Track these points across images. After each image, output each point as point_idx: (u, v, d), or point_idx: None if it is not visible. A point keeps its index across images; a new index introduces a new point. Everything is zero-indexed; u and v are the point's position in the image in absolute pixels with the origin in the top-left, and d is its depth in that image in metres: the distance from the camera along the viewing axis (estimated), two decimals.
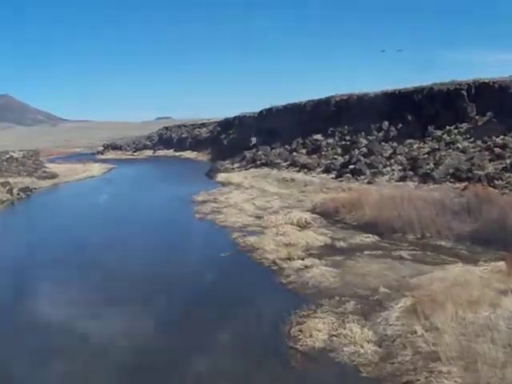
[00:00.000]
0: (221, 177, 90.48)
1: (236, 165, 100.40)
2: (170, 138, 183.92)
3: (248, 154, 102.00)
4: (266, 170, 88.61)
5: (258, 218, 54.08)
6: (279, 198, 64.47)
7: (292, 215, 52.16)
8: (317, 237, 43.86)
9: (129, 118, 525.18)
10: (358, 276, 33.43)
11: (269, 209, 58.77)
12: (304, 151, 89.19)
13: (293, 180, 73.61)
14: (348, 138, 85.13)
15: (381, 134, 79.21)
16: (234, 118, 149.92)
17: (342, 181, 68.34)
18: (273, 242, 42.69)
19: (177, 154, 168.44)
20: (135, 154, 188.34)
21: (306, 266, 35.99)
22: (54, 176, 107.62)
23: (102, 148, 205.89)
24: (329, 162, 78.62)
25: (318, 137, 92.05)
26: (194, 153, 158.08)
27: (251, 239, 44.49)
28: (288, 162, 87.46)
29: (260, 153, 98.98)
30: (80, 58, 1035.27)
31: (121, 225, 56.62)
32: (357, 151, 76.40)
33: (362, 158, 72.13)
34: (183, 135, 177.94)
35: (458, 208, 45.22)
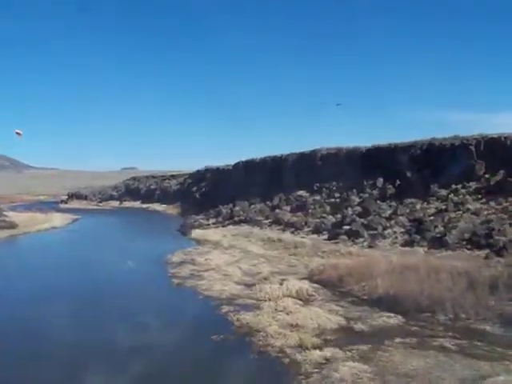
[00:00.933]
0: (196, 234, 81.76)
1: (211, 220, 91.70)
2: (138, 189, 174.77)
3: (224, 210, 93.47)
4: (245, 227, 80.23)
5: (248, 286, 45.47)
6: (267, 262, 55.99)
7: (289, 284, 43.60)
8: (327, 315, 35.30)
9: (94, 167, 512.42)
10: (402, 378, 24.90)
11: (258, 274, 50.22)
12: (288, 208, 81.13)
13: (280, 240, 65.33)
14: (337, 195, 77.67)
15: (375, 192, 71.87)
16: (206, 170, 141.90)
17: (337, 243, 60.27)
18: (275, 322, 33.99)
19: (144, 206, 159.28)
20: (100, 204, 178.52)
21: (328, 360, 27.41)
22: (12, 226, 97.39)
23: (67, 197, 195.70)
24: (317, 220, 70.67)
25: (303, 193, 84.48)
26: (163, 205, 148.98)
27: (246, 317, 35.72)
28: (270, 220, 79.32)
29: (238, 208, 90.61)
30: (47, 105, 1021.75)
31: (77, 298, 45.55)
32: (350, 210, 68.61)
33: (357, 218, 64.29)
34: (152, 187, 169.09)
35: (491, 281, 37.37)
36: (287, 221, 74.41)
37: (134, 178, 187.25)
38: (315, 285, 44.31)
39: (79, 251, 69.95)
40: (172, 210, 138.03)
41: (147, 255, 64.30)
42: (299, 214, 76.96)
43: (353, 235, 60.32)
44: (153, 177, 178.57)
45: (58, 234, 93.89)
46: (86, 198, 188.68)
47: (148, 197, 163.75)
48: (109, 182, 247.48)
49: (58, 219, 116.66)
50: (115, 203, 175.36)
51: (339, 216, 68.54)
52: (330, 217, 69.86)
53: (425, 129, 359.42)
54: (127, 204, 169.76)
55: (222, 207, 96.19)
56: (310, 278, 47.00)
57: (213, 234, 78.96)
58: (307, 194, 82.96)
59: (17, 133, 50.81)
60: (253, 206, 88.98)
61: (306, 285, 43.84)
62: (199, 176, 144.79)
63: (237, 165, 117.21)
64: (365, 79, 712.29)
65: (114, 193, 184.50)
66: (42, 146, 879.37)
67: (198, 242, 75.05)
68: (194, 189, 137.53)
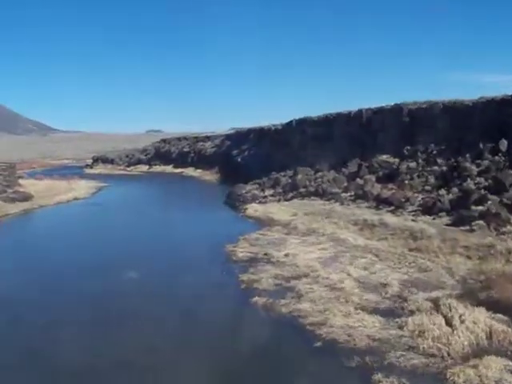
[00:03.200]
0: (253, 209, 63.09)
1: (268, 192, 72.63)
2: (169, 152, 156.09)
3: (283, 178, 74.14)
4: (319, 202, 61.42)
5: (387, 317, 27.11)
6: (381, 261, 37.34)
7: (464, 318, 24.97)
8: None
9: (119, 130, 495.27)
10: None
11: (383, 287, 31.69)
12: (372, 178, 61.60)
13: (383, 225, 46.04)
14: (440, 161, 57.68)
15: (499, 158, 51.82)
16: (249, 130, 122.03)
17: (472, 231, 40.92)
18: None
19: (177, 170, 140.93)
20: (128, 168, 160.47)
21: None
22: (26, 198, 79.67)
23: (92, 161, 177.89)
24: (423, 196, 51.39)
25: (389, 158, 64.64)
26: (199, 170, 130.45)
27: None
28: (351, 193, 60.24)
29: (300, 177, 71.38)
30: (72, 70, 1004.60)
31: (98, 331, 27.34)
32: (471, 182, 49.00)
33: (488, 195, 44.92)
34: (184, 149, 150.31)
35: None
36: (377, 195, 55.22)
37: (164, 141, 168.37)
38: (501, 316, 25.62)
39: (104, 238, 51.99)
40: (210, 175, 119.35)
41: (197, 244, 46.65)
42: (390, 185, 57.65)
43: (493, 219, 40.97)
44: (185, 138, 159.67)
45: (79, 208, 76.07)
46: (112, 161, 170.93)
47: (180, 160, 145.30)
48: (134, 144, 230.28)
49: (81, 188, 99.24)
50: (144, 167, 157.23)
51: (455, 190, 49.16)
52: (443, 191, 50.33)
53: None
54: (158, 168, 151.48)
55: (279, 175, 76.96)
56: (477, 298, 28.17)
57: (277, 210, 60.21)
58: (396, 160, 63.46)
59: None
60: (320, 174, 69.88)
61: (490, 319, 25.16)
62: (239, 137, 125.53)
63: (289, 124, 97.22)
64: None
65: (143, 156, 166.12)
66: (68, 109, 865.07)
67: (260, 221, 56.71)
68: (235, 152, 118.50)
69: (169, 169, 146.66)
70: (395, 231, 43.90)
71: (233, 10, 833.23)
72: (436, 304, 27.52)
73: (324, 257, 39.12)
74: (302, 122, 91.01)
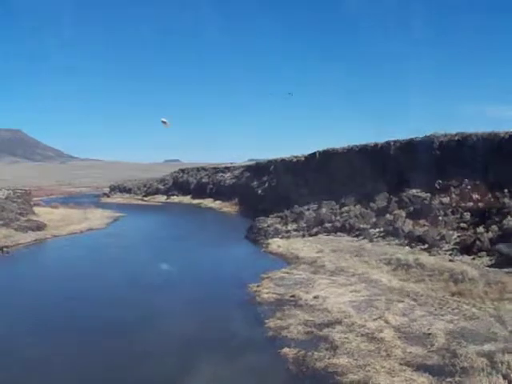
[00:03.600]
0: (276, 245, 59.72)
1: (291, 226, 69.44)
2: (187, 183, 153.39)
3: (307, 212, 71.08)
4: (346, 239, 58.13)
5: (438, 374, 23.80)
6: (420, 306, 33.76)
7: None
8: None
9: (137, 159, 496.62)
10: None
11: (428, 339, 28.31)
12: (402, 213, 58.04)
13: (420, 265, 42.46)
14: (476, 196, 54.32)
15: None
16: (270, 161, 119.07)
17: None
18: None
19: (195, 201, 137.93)
20: (145, 198, 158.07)
21: None
22: (40, 227, 77.32)
23: (109, 190, 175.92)
24: (459, 234, 48.00)
25: (419, 193, 61.31)
26: (217, 202, 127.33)
27: None
28: (380, 229, 56.75)
29: (325, 210, 68.15)
30: (92, 97, 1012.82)
31: None
32: (511, 219, 45.56)
33: None
34: (203, 180, 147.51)
35: None
36: (409, 232, 51.80)
37: (182, 170, 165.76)
38: None
39: (116, 275, 48.50)
40: (229, 207, 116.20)
41: (218, 283, 44.08)
42: (422, 221, 54.21)
43: None
44: (203, 169, 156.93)
45: (94, 239, 73.14)
46: (129, 191, 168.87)
47: (199, 191, 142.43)
48: (152, 174, 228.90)
49: (96, 217, 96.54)
50: (162, 198, 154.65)
51: (495, 228, 45.65)
52: (481, 229, 46.81)
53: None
54: (175, 199, 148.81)
55: (302, 209, 73.69)
56: None
57: (301, 246, 56.90)
58: (427, 195, 59.95)
59: (163, 122, 41.83)
60: (346, 209, 66.55)
61: None
62: (259, 168, 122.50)
63: (311, 156, 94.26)
64: None
65: (161, 186, 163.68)
66: (87, 137, 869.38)
67: (284, 258, 53.42)
68: (255, 183, 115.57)
69: (187, 199, 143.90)
70: (433, 272, 40.38)
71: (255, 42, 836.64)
72: (491, 361, 24.04)
73: (357, 300, 35.70)
74: (326, 154, 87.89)
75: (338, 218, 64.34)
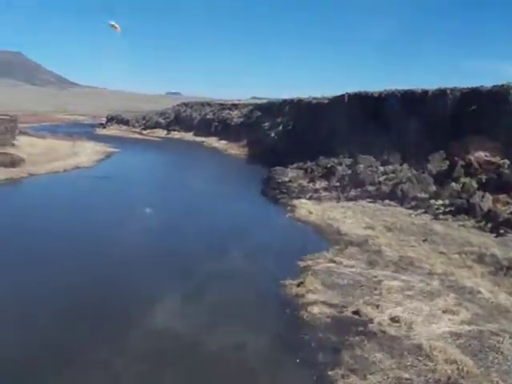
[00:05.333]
0: (306, 209, 45.77)
1: (320, 183, 55.12)
2: (190, 118, 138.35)
3: (340, 168, 56.61)
4: (401, 210, 44.34)
5: None
6: None
7: None
8: None
9: (137, 89, 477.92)
10: None
11: None
12: (473, 183, 43.86)
13: None
14: None
15: None
16: (285, 101, 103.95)
17: None
18: None
19: (198, 139, 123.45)
20: (144, 132, 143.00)
21: None
22: (15, 163, 62.97)
23: (105, 120, 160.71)
24: None
25: (488, 156, 47.09)
26: (222, 142, 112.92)
27: None
28: (444, 202, 42.71)
29: (363, 168, 53.91)
30: (94, 26, 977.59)
31: None
32: None
33: None
34: (207, 116, 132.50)
35: None
36: (489, 212, 37.83)
37: (185, 104, 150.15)
38: None
39: (96, 241, 34.30)
40: (236, 149, 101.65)
41: (237, 274, 28.88)
42: (503, 197, 40.17)
43: None
44: (208, 104, 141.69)
45: (78, 182, 59.04)
46: (127, 123, 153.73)
47: (202, 128, 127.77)
48: (153, 105, 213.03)
49: (86, 152, 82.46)
50: (162, 132, 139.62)
51: None
52: None
53: None
54: (176, 135, 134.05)
55: (332, 162, 59.43)
56: None
57: (340, 216, 42.95)
58: (504, 161, 45.71)
59: (112, 26, 36.73)
60: (391, 168, 52.35)
61: None
62: (271, 108, 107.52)
63: (338, 98, 79.03)
64: None
65: (161, 120, 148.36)
66: (89, 64, 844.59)
67: (321, 231, 39.66)
68: (266, 125, 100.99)
69: (189, 136, 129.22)
70: None
71: None
72: None
73: (462, 332, 22.03)
74: (358, 97, 72.88)
75: (383, 179, 50.11)
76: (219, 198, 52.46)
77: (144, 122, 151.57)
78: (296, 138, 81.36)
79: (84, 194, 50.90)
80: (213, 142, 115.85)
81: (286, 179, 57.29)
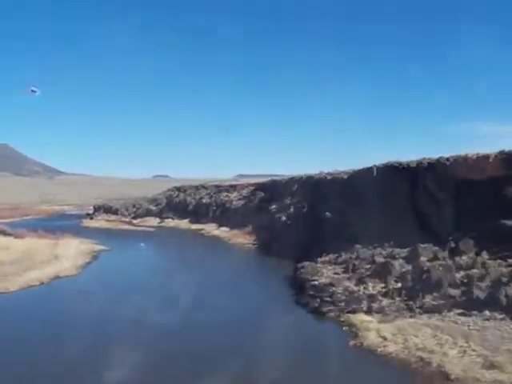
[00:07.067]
0: (375, 332, 31.98)
1: (373, 285, 41.35)
2: (184, 204, 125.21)
3: (397, 263, 42.94)
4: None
5: None
6: None
7: None
8: None
9: (124, 174, 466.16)
10: None
11: None
12: None
13: None
14: None
15: None
16: (292, 178, 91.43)
17: None
18: None
19: (194, 227, 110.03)
20: (135, 221, 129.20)
21: None
22: None
23: (93, 210, 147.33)
24: None
25: None
26: (223, 229, 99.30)
27: None
28: None
29: (428, 262, 40.42)
30: (81, 112, 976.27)
31: None
32: None
33: None
34: (203, 200, 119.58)
35: None
36: None
37: (177, 189, 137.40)
38: None
39: None
40: (241, 237, 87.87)
41: None
42: None
43: None
44: (203, 187, 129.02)
45: (55, 302, 44.86)
46: (116, 212, 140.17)
47: (198, 214, 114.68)
48: (141, 190, 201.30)
49: (69, 254, 68.98)
50: (154, 221, 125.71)
51: None
52: None
53: None
54: (170, 223, 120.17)
55: (383, 255, 46.03)
56: None
57: (435, 343, 29.05)
58: None
59: (32, 91, 36.42)
60: (466, 260, 38.88)
61: None
62: (276, 188, 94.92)
63: (364, 172, 65.98)
64: None
65: (152, 207, 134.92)
66: (75, 152, 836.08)
67: (413, 375, 25.65)
68: (274, 207, 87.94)
69: (184, 224, 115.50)
70: None
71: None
72: None
73: None
74: (393, 169, 59.99)
75: (462, 276, 36.51)
76: (243, 311, 38.70)
77: (134, 210, 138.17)
78: (313, 222, 68.35)
79: (60, 326, 36.59)
80: (212, 229, 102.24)
81: (324, 280, 43.77)
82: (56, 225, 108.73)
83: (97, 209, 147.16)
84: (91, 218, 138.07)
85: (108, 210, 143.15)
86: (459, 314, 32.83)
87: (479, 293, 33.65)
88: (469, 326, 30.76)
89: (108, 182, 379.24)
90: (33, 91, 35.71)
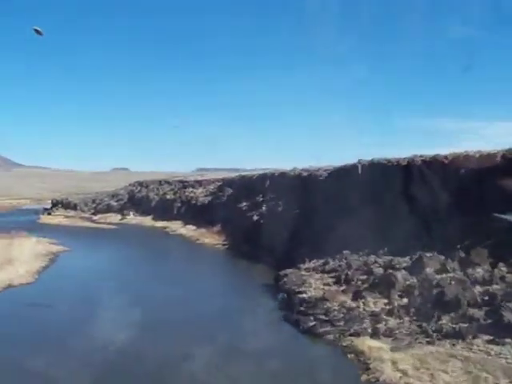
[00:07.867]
0: (390, 364, 26.19)
1: (373, 301, 35.74)
2: (147, 199, 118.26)
3: (400, 275, 37.38)
4: None
5: None
6: None
7: None
8: None
9: (83, 166, 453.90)
10: None
11: None
12: None
13: None
14: None
15: None
16: (264, 175, 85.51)
17: None
18: None
19: (158, 224, 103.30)
20: (95, 218, 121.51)
21: None
22: None
23: (51, 205, 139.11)
24: None
25: None
26: (189, 227, 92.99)
27: None
28: None
29: (434, 272, 35.01)
30: (42, 104, 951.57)
31: None
32: None
33: None
34: (167, 197, 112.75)
35: None
36: None
37: (140, 184, 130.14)
38: None
39: None
40: (209, 237, 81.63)
41: None
42: None
43: None
44: (167, 182, 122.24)
45: (4, 322, 37.82)
46: (75, 207, 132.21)
47: (162, 211, 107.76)
48: (101, 183, 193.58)
49: (24, 256, 62.20)
50: (115, 217, 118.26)
51: None
52: None
53: None
54: (133, 220, 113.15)
55: (380, 265, 40.55)
56: None
57: (468, 380, 23.47)
58: None
59: (35, 30, 33.52)
60: (482, 273, 33.58)
61: None
62: (246, 184, 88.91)
63: (347, 169, 60.50)
64: None
65: (114, 202, 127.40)
66: (34, 143, 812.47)
67: None
68: (244, 205, 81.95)
69: (147, 221, 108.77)
70: None
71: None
72: None
73: None
74: (379, 167, 54.58)
75: (481, 293, 31.18)
76: (225, 331, 32.70)
77: (94, 205, 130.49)
78: (291, 222, 62.66)
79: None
80: (178, 227, 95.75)
81: (315, 293, 38.08)
82: (12, 221, 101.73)
83: (55, 204, 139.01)
84: (49, 214, 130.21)
85: (67, 205, 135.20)
86: (488, 342, 27.37)
87: (510, 315, 28.25)
88: (506, 358, 25.34)
89: (67, 175, 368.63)
90: (37, 31, 32.93)
